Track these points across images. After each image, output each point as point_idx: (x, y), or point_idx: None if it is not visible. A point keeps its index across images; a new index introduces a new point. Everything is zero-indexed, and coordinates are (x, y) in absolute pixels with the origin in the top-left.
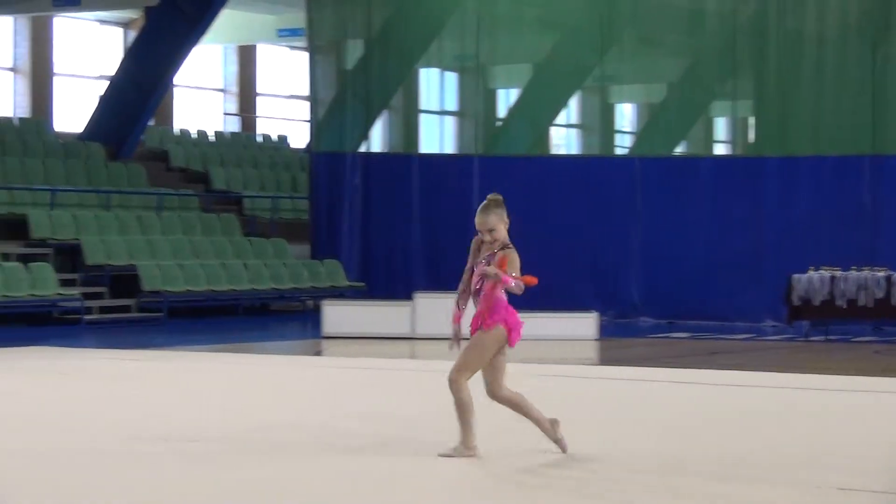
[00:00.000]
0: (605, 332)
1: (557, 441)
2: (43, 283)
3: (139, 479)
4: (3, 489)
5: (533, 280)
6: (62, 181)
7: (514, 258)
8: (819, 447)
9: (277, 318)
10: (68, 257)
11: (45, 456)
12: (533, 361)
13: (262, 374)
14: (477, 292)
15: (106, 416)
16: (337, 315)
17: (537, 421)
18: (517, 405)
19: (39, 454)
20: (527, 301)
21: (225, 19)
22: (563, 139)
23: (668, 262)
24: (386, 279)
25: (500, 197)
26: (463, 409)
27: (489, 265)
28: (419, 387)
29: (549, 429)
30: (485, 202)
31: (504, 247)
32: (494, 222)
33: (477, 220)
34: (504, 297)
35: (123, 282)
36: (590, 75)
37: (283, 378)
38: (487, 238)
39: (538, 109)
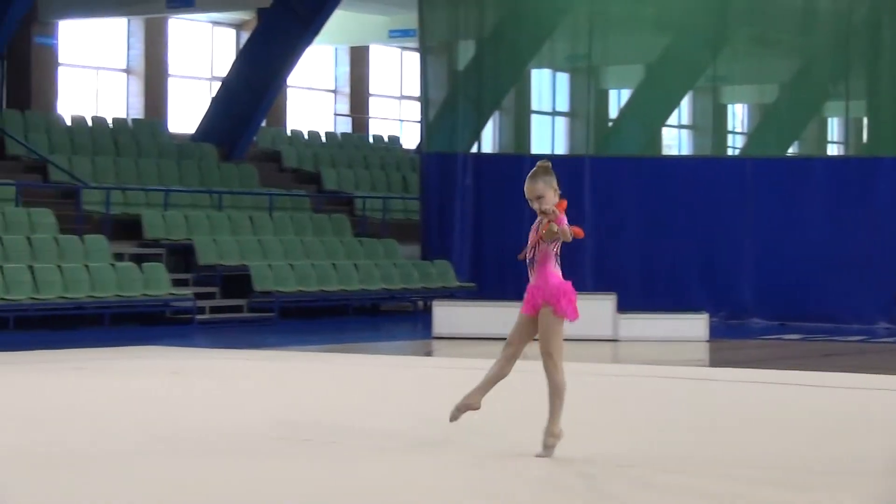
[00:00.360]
0: (716, 333)
1: (458, 411)
2: (156, 283)
3: (255, 476)
4: (122, 484)
5: (580, 233)
6: (175, 182)
7: (562, 219)
8: None
9: (388, 318)
10: (181, 257)
11: (165, 453)
12: (643, 362)
13: (372, 374)
14: (531, 262)
15: (217, 415)
16: (447, 315)
17: (479, 391)
18: (493, 376)
19: (157, 451)
20: (637, 301)
21: (337, 20)
22: (675, 140)
23: (780, 263)
24: (497, 280)
25: (548, 164)
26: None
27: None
28: (528, 387)
29: (468, 402)
30: (534, 169)
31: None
32: (542, 189)
33: (526, 187)
34: (558, 272)
35: (235, 282)
36: (702, 75)
37: (393, 378)
38: (535, 206)
39: (650, 110)
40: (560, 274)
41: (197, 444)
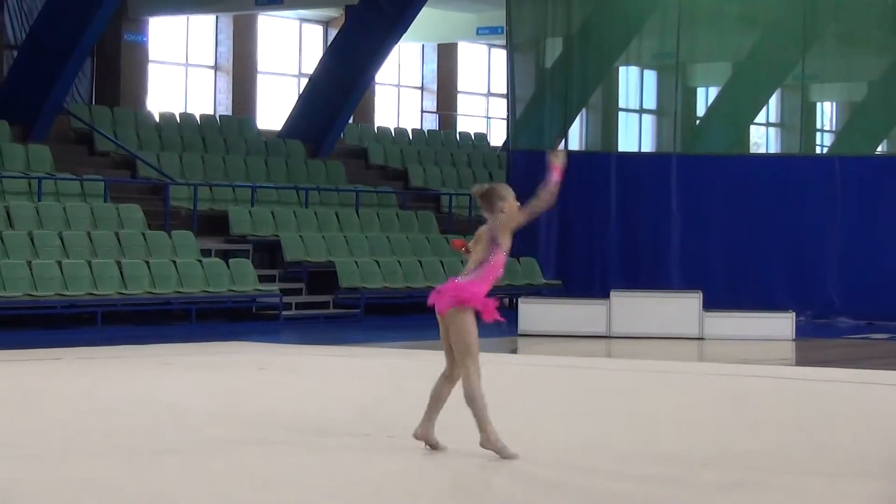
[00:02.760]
0: (802, 332)
1: (418, 437)
2: (242, 278)
3: (340, 470)
4: (201, 475)
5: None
6: (262, 178)
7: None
8: None
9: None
10: (267, 254)
11: (249, 446)
12: (729, 361)
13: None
14: (482, 262)
15: (302, 411)
16: (533, 313)
17: (429, 417)
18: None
19: (240, 444)
20: (723, 299)
21: (425, 17)
22: (763, 138)
23: (867, 262)
24: (583, 277)
25: (484, 188)
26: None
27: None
28: (613, 385)
29: (424, 431)
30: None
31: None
32: (508, 196)
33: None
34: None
35: (321, 278)
36: (790, 73)
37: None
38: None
39: (737, 108)
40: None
41: (282, 438)
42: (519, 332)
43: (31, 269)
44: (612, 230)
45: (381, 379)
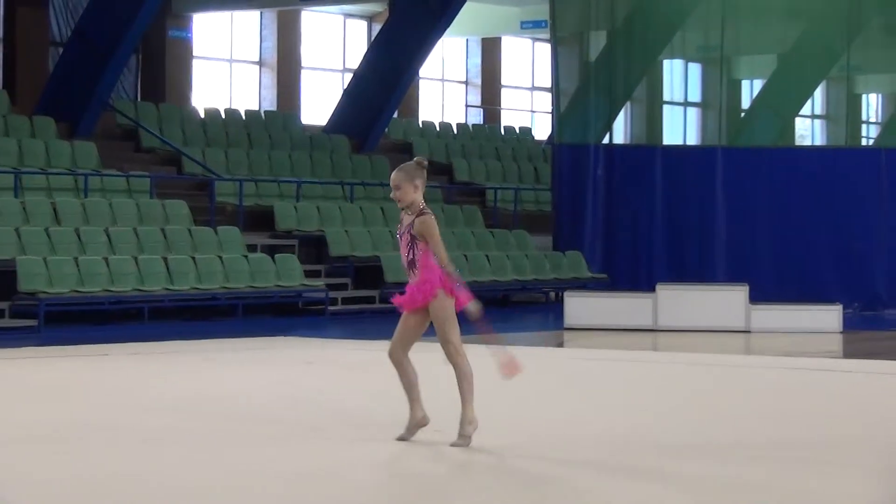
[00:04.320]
0: (850, 324)
1: (408, 432)
2: (288, 274)
3: (386, 462)
4: (252, 471)
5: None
6: (307, 173)
7: (429, 223)
8: None
9: (519, 309)
10: (313, 249)
11: (299, 441)
12: (775, 354)
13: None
14: (411, 263)
15: (349, 405)
16: (579, 306)
17: (413, 405)
18: (406, 378)
19: (290, 439)
20: (769, 292)
21: (469, 11)
22: (808, 130)
23: None
24: (629, 271)
25: (421, 160)
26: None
27: (410, 232)
28: (660, 378)
29: (415, 421)
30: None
31: (420, 213)
32: (399, 180)
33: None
34: (434, 264)
35: (367, 273)
36: (835, 65)
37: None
38: (394, 195)
39: (783, 100)
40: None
41: (328, 431)
42: (565, 326)
43: (77, 266)
44: (657, 223)
45: (425, 373)
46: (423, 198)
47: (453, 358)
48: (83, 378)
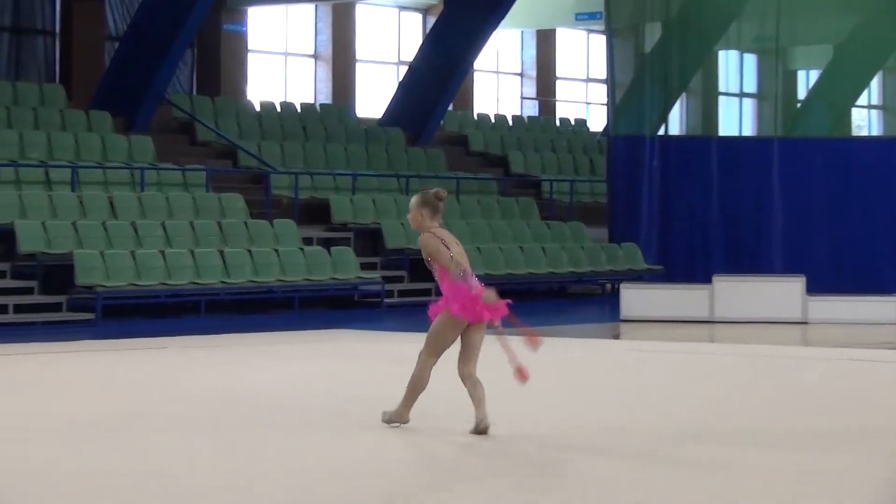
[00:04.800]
0: None
1: (386, 415)
2: (344, 266)
3: (439, 457)
4: (309, 464)
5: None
6: (363, 166)
7: (423, 242)
8: None
9: (575, 301)
10: (369, 241)
11: (354, 434)
12: (832, 345)
13: (560, 358)
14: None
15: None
16: (635, 298)
17: (404, 405)
18: (473, 393)
19: (345, 431)
20: (826, 283)
21: (523, 3)
22: (864, 120)
23: None
24: (685, 262)
25: (440, 193)
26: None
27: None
28: (717, 370)
29: (398, 417)
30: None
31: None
32: (412, 204)
33: None
34: (457, 283)
35: (423, 265)
36: (891, 55)
37: (580, 362)
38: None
39: (839, 90)
40: (468, 283)
41: (380, 424)
42: (621, 318)
43: (134, 259)
44: (713, 214)
45: (481, 366)
46: (439, 224)
47: (418, 362)
48: (139, 371)
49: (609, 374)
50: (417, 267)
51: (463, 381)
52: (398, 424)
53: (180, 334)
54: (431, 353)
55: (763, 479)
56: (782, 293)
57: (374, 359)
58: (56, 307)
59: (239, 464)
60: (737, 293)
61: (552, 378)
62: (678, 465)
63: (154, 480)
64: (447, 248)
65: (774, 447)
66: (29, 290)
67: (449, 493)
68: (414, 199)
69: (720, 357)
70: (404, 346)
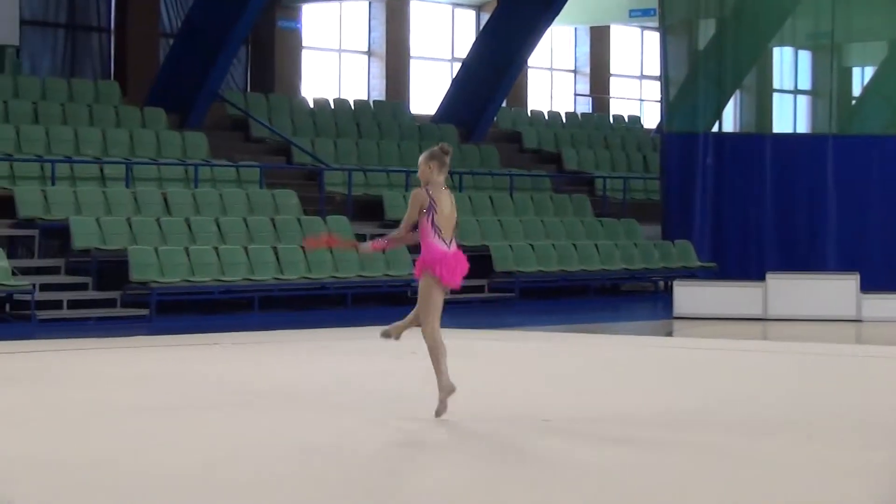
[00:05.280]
0: None
1: (441, 404)
2: (398, 263)
3: (493, 455)
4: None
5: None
6: (416, 163)
7: (412, 195)
8: None
9: (628, 298)
10: None
11: (399, 430)
12: (887, 343)
13: (612, 354)
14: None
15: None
16: (688, 295)
17: (440, 376)
18: (434, 353)
19: (394, 428)
20: (881, 280)
21: (577, 0)
22: None
23: None
24: (738, 259)
25: (445, 146)
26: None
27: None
28: (770, 369)
29: (444, 389)
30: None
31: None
32: (420, 158)
33: None
34: (432, 243)
35: (476, 262)
36: None
37: (634, 359)
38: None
39: (894, 87)
40: (442, 246)
41: (430, 421)
42: (674, 315)
43: (188, 256)
44: (767, 211)
45: (534, 363)
46: (446, 182)
47: (424, 333)
48: (192, 367)
49: (661, 372)
50: (471, 264)
51: (426, 340)
52: (448, 396)
53: (233, 330)
54: (430, 319)
55: (795, 472)
56: (836, 291)
57: (426, 356)
58: (110, 303)
59: (287, 458)
60: (790, 291)
61: (603, 376)
62: (716, 454)
63: (208, 473)
64: (434, 207)
65: (804, 442)
66: (83, 286)
67: None
68: (422, 155)
69: (773, 355)
70: (455, 342)
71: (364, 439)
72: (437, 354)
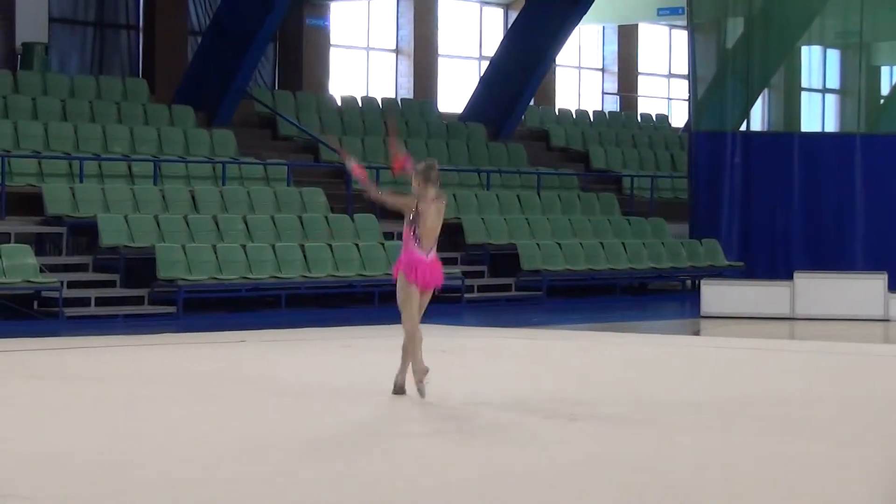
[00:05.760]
0: None
1: (419, 386)
2: None
3: (519, 453)
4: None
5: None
6: (444, 161)
7: (408, 204)
8: None
9: (655, 297)
10: (449, 236)
11: (425, 431)
12: None
13: (639, 353)
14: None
15: (484, 392)
16: (716, 295)
17: (414, 362)
18: (410, 341)
19: (422, 428)
20: None
21: None
22: None
23: None
24: (766, 259)
25: (430, 162)
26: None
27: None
28: (796, 368)
29: (418, 372)
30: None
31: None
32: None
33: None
34: (413, 250)
35: (503, 261)
36: None
37: (661, 358)
38: None
39: None
40: (420, 254)
41: (458, 419)
42: (701, 314)
43: (216, 253)
44: (794, 211)
45: (561, 361)
46: (436, 192)
47: (403, 323)
48: (220, 365)
49: (687, 371)
50: (497, 262)
51: (405, 332)
52: (425, 379)
53: (260, 328)
54: (408, 308)
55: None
56: (864, 290)
57: (454, 354)
58: (138, 300)
59: (312, 453)
60: (818, 290)
61: (630, 374)
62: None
63: (233, 470)
64: (418, 219)
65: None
66: (111, 284)
67: None
68: (419, 165)
69: (801, 354)
70: (483, 342)
71: (393, 434)
72: (415, 340)
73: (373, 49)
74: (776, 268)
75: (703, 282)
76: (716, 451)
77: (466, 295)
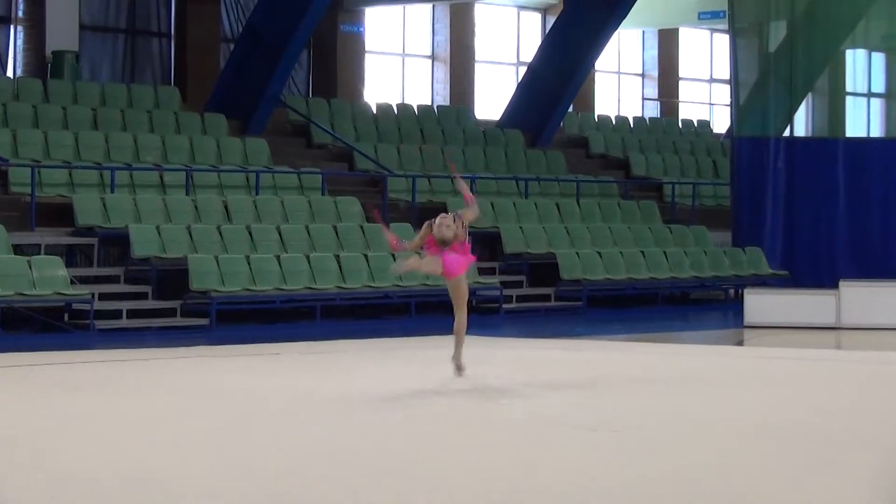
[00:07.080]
0: None
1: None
2: None
3: (557, 465)
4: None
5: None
6: (481, 169)
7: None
8: None
9: (697, 306)
10: (487, 245)
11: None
12: None
13: (684, 364)
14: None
15: (522, 403)
16: (759, 304)
17: (458, 346)
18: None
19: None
20: None
21: (644, 3)
22: None
23: None
24: (810, 267)
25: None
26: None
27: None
28: (843, 378)
29: (457, 358)
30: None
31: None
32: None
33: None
34: (448, 252)
35: (542, 270)
36: None
37: (704, 368)
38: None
39: None
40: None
41: (499, 431)
42: (745, 324)
43: (249, 264)
44: (840, 218)
45: (600, 372)
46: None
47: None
48: (253, 377)
49: (730, 380)
50: (536, 272)
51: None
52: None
53: (295, 340)
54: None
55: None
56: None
57: (491, 365)
58: (170, 312)
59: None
60: (864, 299)
61: (674, 383)
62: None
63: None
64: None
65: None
66: (143, 295)
67: None
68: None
69: (847, 364)
70: (522, 352)
71: (428, 447)
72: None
73: (408, 55)
74: (821, 276)
75: (746, 291)
76: (759, 461)
77: (505, 305)
